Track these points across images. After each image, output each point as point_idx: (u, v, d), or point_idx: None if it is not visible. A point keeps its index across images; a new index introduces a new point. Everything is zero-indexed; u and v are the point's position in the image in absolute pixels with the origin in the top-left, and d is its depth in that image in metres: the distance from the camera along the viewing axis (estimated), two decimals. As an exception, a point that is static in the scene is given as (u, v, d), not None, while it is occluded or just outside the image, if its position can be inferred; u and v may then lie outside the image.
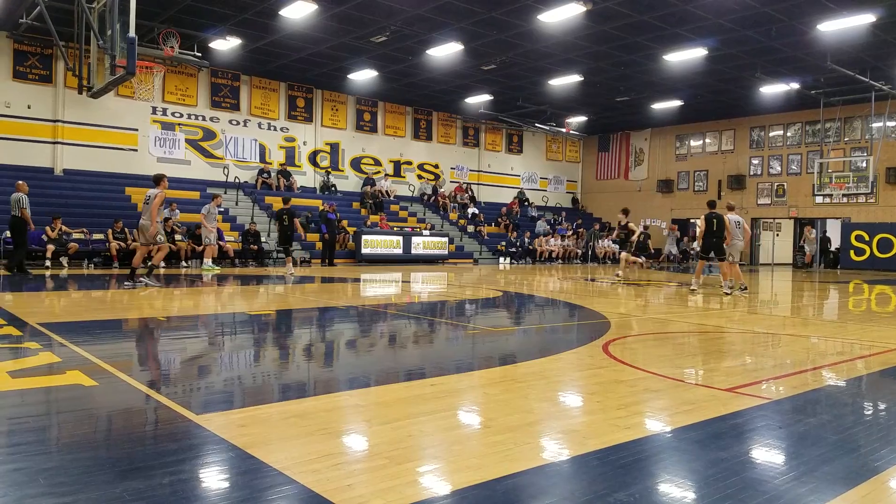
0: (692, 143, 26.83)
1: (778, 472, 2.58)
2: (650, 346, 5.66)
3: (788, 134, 24.07)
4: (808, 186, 22.53)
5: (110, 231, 14.62)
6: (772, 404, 3.60)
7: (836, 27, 14.11)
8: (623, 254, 14.02)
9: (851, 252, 21.49)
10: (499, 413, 3.30)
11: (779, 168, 24.28)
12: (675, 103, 22.54)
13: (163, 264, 13.04)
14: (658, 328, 6.65)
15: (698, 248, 12.18)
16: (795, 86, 19.38)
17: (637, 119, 25.90)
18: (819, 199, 22.61)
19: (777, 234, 26.23)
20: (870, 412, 3.62)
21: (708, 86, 20.17)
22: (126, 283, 10.02)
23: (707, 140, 26.39)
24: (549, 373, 4.37)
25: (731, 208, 11.94)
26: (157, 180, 10.22)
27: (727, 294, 10.64)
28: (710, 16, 13.95)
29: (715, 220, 11.13)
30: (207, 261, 14.45)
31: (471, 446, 2.79)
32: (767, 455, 2.80)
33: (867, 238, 21.08)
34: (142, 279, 9.98)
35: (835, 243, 23.23)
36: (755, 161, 24.90)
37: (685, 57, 16.76)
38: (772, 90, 19.97)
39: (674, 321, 7.28)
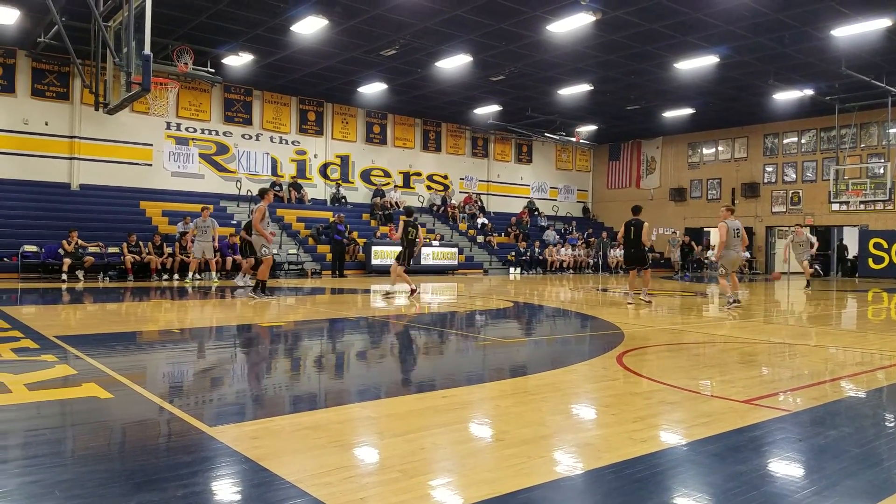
0: (705, 150, 26.68)
1: (798, 486, 2.53)
2: (665, 358, 5.59)
3: (803, 141, 23.85)
4: (824, 194, 22.28)
5: (125, 245, 14.79)
6: (791, 416, 3.54)
7: (851, 32, 14.00)
8: (394, 264, 11.84)
9: (870, 260, 21.17)
10: (512, 426, 3.27)
11: (794, 175, 24.04)
12: (687, 111, 22.44)
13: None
14: (672, 339, 6.58)
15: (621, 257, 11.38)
16: (809, 92, 19.23)
17: (648, 127, 25.82)
18: (835, 207, 22.35)
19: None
20: (892, 424, 3.54)
21: (720, 93, 20.07)
22: (251, 292, 10.36)
23: (720, 148, 26.22)
24: (562, 385, 4.33)
25: (730, 211, 10.56)
26: (261, 193, 10.42)
27: (630, 304, 10.11)
28: (722, 23, 13.91)
29: (633, 228, 10.29)
30: (191, 273, 14.51)
31: (484, 460, 2.76)
32: (787, 469, 2.75)
33: (886, 246, 20.78)
34: (251, 292, 10.38)
35: (852, 251, 22.91)
36: (769, 168, 24.69)
37: (697, 65, 16.70)
38: (785, 97, 19.82)
39: (688, 332, 7.20)
